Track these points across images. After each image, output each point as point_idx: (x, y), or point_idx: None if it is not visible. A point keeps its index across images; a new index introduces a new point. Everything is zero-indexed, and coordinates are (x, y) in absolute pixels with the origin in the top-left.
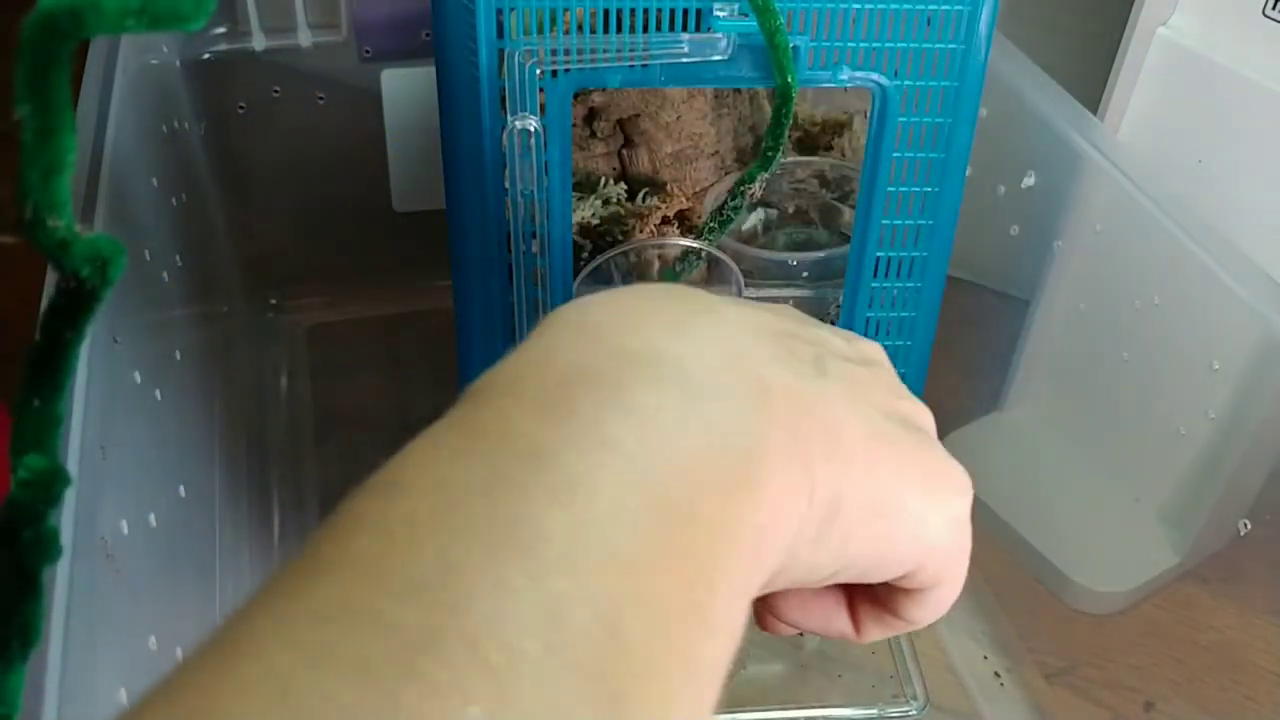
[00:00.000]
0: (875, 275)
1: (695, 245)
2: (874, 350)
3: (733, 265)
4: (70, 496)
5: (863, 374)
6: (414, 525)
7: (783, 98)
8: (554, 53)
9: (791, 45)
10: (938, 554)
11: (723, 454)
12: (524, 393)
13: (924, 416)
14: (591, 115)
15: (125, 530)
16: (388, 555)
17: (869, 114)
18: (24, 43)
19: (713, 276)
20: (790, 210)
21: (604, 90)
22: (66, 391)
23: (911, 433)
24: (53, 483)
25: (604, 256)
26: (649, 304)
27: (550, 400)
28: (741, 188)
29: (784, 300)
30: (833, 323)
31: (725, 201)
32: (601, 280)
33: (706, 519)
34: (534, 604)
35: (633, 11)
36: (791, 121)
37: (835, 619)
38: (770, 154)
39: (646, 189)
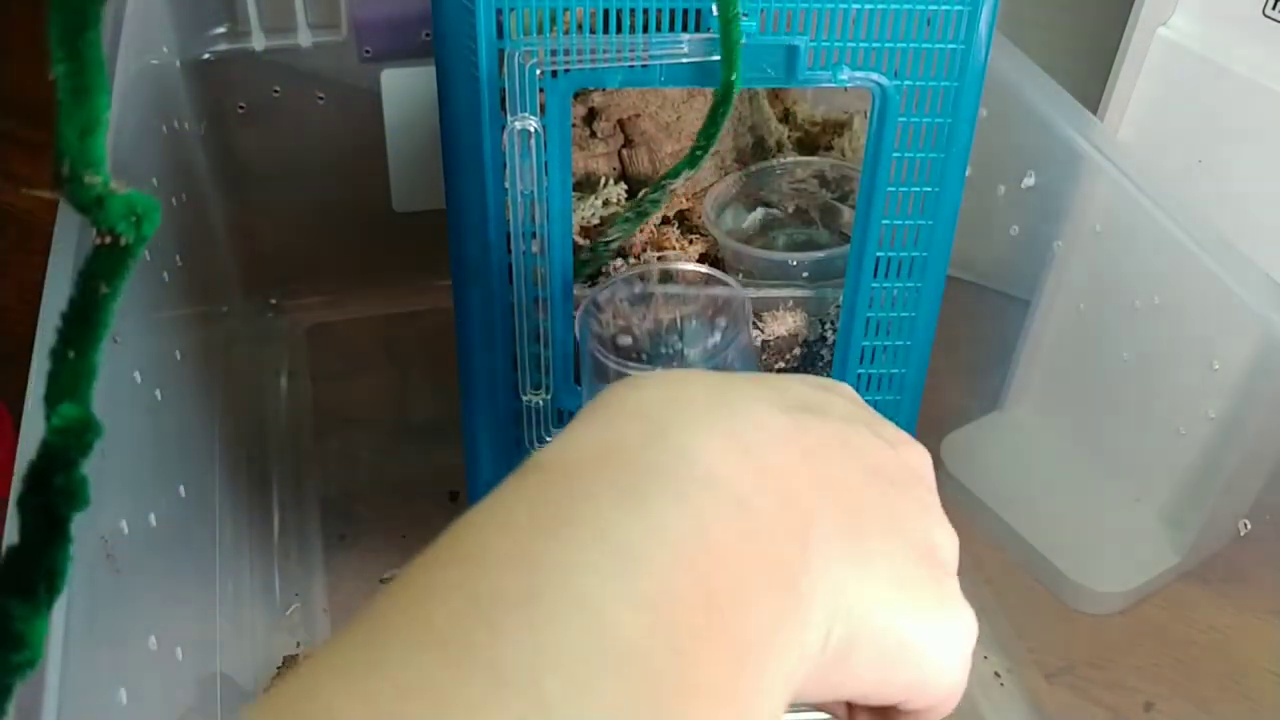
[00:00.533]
0: (875, 275)
1: (706, 271)
2: (919, 460)
3: (745, 296)
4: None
5: (902, 504)
6: (497, 600)
7: (722, 96)
8: (554, 53)
9: (790, 45)
10: (941, 689)
11: (760, 571)
12: (598, 478)
13: (951, 547)
14: (591, 115)
15: (125, 530)
16: (474, 632)
17: (869, 114)
18: (55, 1)
19: (722, 308)
20: (790, 210)
21: (604, 90)
22: (102, 346)
23: (935, 576)
24: (85, 431)
25: (620, 276)
26: (706, 398)
27: (622, 489)
28: (664, 182)
29: (784, 300)
30: (833, 323)
31: (645, 194)
32: (615, 293)
33: (746, 619)
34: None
35: (633, 11)
36: (727, 120)
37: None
38: (698, 154)
39: (646, 189)
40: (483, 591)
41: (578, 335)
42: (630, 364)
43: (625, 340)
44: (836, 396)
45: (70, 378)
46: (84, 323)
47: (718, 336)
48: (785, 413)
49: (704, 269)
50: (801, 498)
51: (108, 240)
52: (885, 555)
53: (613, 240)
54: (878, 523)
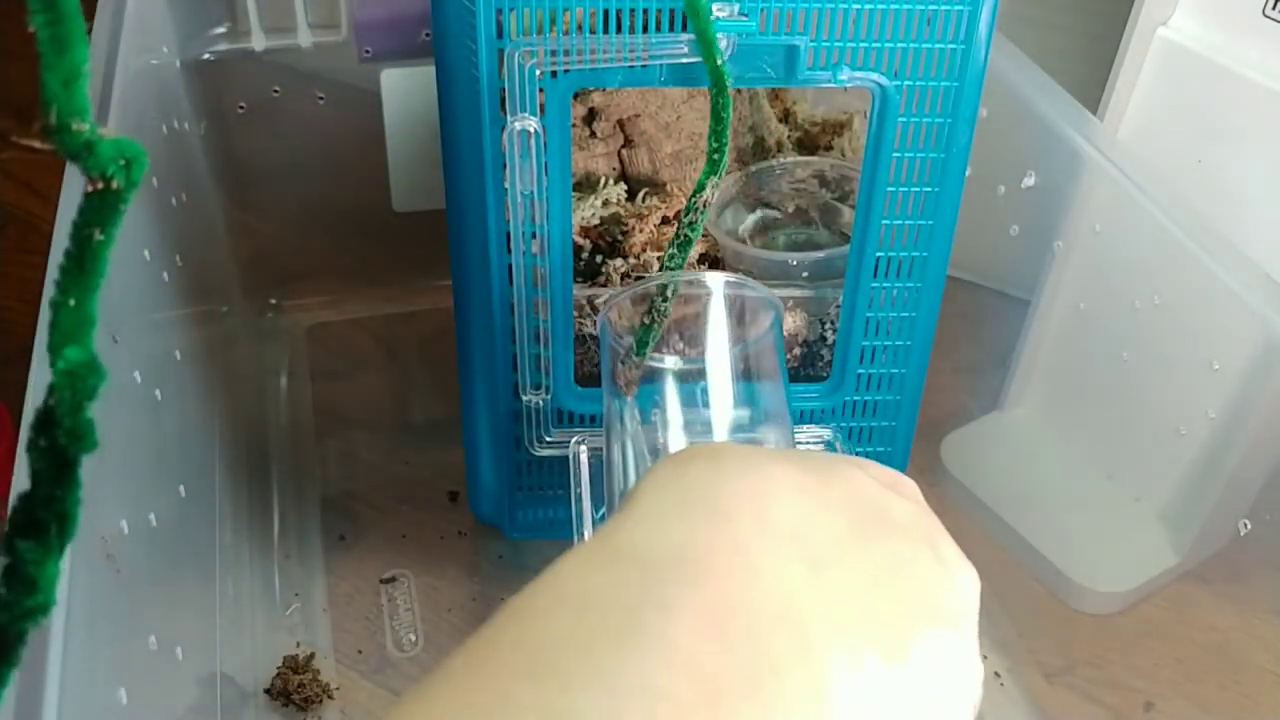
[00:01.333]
0: (875, 275)
1: (737, 280)
2: (971, 587)
3: (775, 299)
4: None
5: (938, 649)
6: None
7: (717, 88)
8: (554, 53)
9: (790, 45)
10: None
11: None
12: (677, 591)
13: (980, 679)
14: (591, 115)
15: (125, 530)
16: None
17: (869, 114)
18: None
19: (749, 309)
20: (790, 210)
21: (604, 90)
22: (98, 293)
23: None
24: (90, 374)
25: (643, 284)
26: (787, 500)
27: (698, 609)
28: (695, 200)
29: (784, 300)
30: (833, 323)
31: (680, 223)
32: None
33: None
34: None
35: (633, 11)
36: (730, 118)
37: None
38: (716, 157)
39: (646, 189)
40: (555, 709)
41: (597, 332)
42: (653, 359)
43: (629, 339)
44: (901, 500)
45: (71, 323)
46: (81, 270)
47: (744, 339)
48: (855, 526)
49: (735, 278)
50: (856, 625)
51: (99, 186)
52: (917, 695)
53: (665, 306)
54: (918, 659)
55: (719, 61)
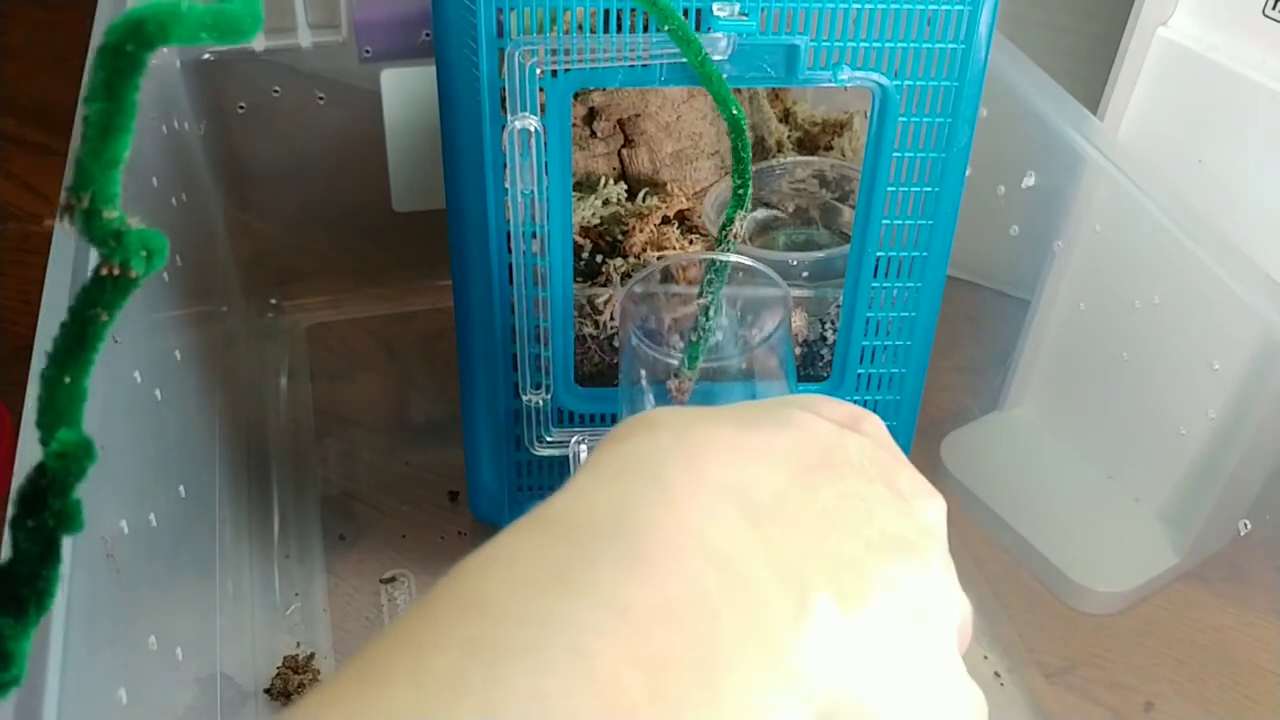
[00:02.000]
0: (875, 275)
1: (749, 263)
2: (933, 514)
3: (780, 281)
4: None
5: (906, 570)
6: (499, 650)
7: (735, 130)
8: (554, 53)
9: (790, 45)
10: None
11: (756, 643)
12: (608, 544)
13: (954, 608)
14: (591, 115)
15: (125, 530)
16: (471, 677)
17: (869, 114)
18: (108, 45)
19: (760, 305)
20: (790, 210)
21: (604, 90)
22: (92, 369)
23: (936, 652)
24: (83, 456)
25: (646, 271)
26: (717, 456)
27: (629, 556)
28: (725, 233)
29: None
30: (833, 323)
31: (713, 262)
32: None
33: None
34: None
35: (633, 11)
36: (749, 158)
37: None
38: (741, 192)
39: (646, 189)
40: (483, 639)
41: (614, 323)
42: (672, 353)
43: (662, 330)
44: (856, 437)
45: (65, 402)
46: (80, 348)
47: (755, 332)
48: (797, 474)
49: (746, 260)
50: (802, 571)
51: (115, 272)
52: (883, 631)
53: (709, 324)
54: (878, 596)
55: (734, 111)
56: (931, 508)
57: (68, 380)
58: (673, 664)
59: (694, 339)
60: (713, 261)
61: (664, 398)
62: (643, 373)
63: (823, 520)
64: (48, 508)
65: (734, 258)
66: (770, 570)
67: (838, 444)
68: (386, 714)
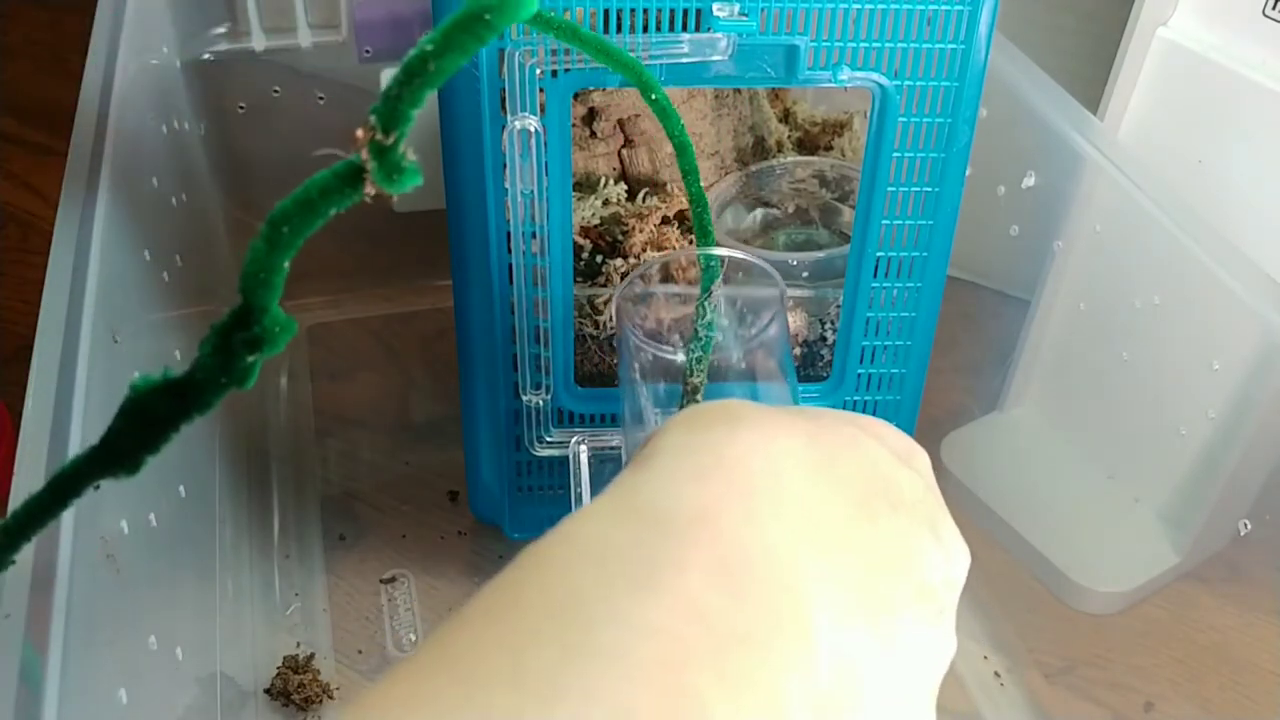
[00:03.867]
0: (875, 275)
1: (744, 257)
2: (962, 567)
3: (775, 274)
4: None
5: (928, 642)
6: (590, 656)
7: (698, 203)
8: (554, 53)
9: (790, 45)
10: None
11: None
12: (692, 551)
13: (953, 650)
14: (591, 115)
15: (125, 530)
16: (567, 683)
17: (869, 114)
18: (472, 10)
19: (758, 302)
20: (790, 210)
21: (604, 90)
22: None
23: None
24: (286, 330)
25: (642, 269)
26: (799, 472)
27: (709, 565)
28: (704, 301)
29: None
30: (833, 323)
31: (696, 327)
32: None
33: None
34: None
35: (633, 11)
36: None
37: None
38: (703, 325)
39: (646, 189)
40: (577, 645)
41: (612, 322)
42: (665, 348)
43: (661, 328)
44: (909, 474)
45: (278, 279)
46: (302, 227)
47: (751, 329)
48: (861, 503)
49: (740, 254)
50: (853, 613)
51: (370, 192)
52: (893, 682)
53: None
54: (901, 650)
55: (696, 188)
56: (963, 563)
57: (284, 265)
58: (745, 682)
59: (697, 338)
60: (709, 259)
61: (662, 395)
62: (638, 368)
63: (878, 559)
64: (235, 363)
65: (729, 252)
66: (827, 596)
67: (895, 477)
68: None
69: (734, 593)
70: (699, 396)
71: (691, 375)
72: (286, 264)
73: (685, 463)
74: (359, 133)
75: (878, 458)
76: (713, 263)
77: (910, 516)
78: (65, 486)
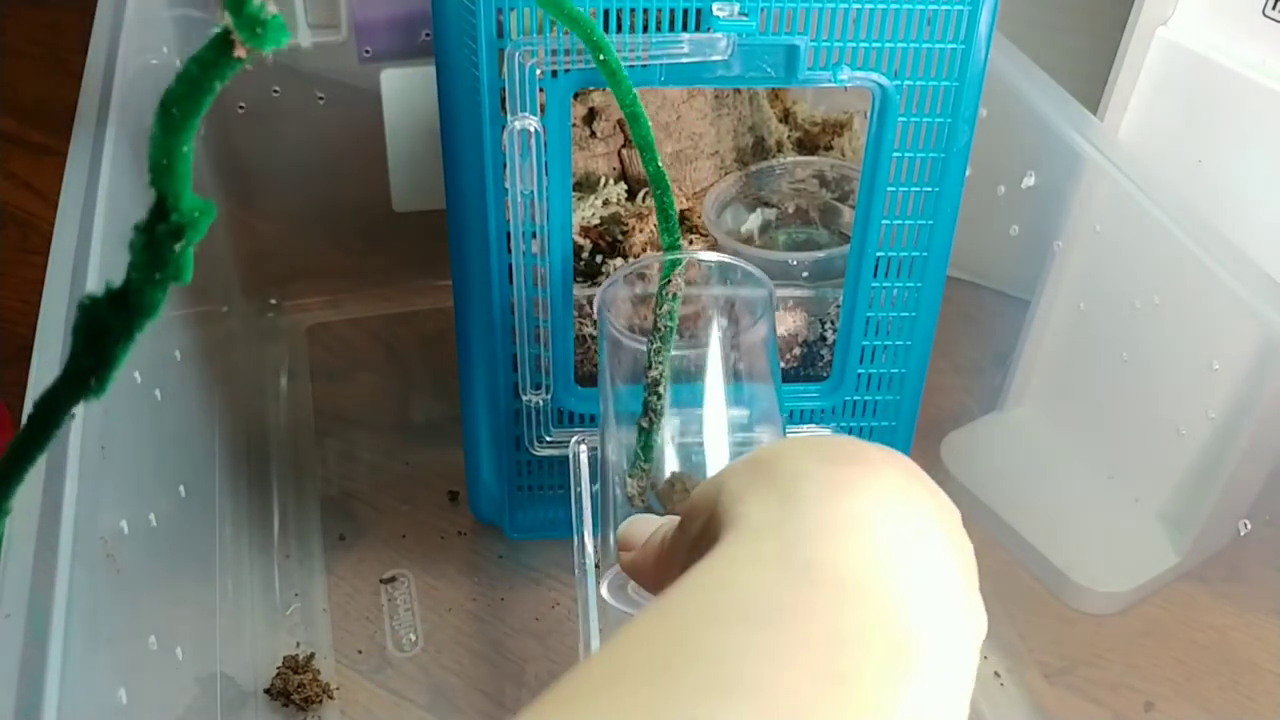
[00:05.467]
0: (875, 275)
1: (731, 260)
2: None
3: (764, 278)
4: (70, 496)
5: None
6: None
7: (657, 184)
8: (554, 53)
9: (790, 45)
10: None
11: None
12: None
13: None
14: (591, 115)
15: (125, 530)
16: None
17: (869, 114)
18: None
19: (742, 302)
20: (790, 210)
21: (604, 90)
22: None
23: None
24: (205, 215)
25: (627, 268)
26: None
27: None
28: (663, 289)
29: (784, 300)
30: (833, 323)
31: (655, 317)
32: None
33: None
34: None
35: (633, 11)
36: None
37: None
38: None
39: (646, 189)
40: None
41: (595, 314)
42: (641, 340)
43: (643, 329)
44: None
45: (182, 165)
46: (188, 115)
47: (736, 327)
48: (968, 565)
49: (728, 258)
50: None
51: (240, 53)
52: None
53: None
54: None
55: (675, 240)
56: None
57: (185, 149)
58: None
59: (656, 330)
60: (672, 251)
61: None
62: (618, 364)
63: (974, 621)
64: (165, 257)
65: (711, 255)
66: (945, 664)
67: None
68: None
69: (895, 674)
70: (661, 390)
71: (650, 368)
72: (188, 148)
73: (836, 509)
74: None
75: (957, 524)
76: (676, 255)
77: (974, 580)
78: (42, 418)
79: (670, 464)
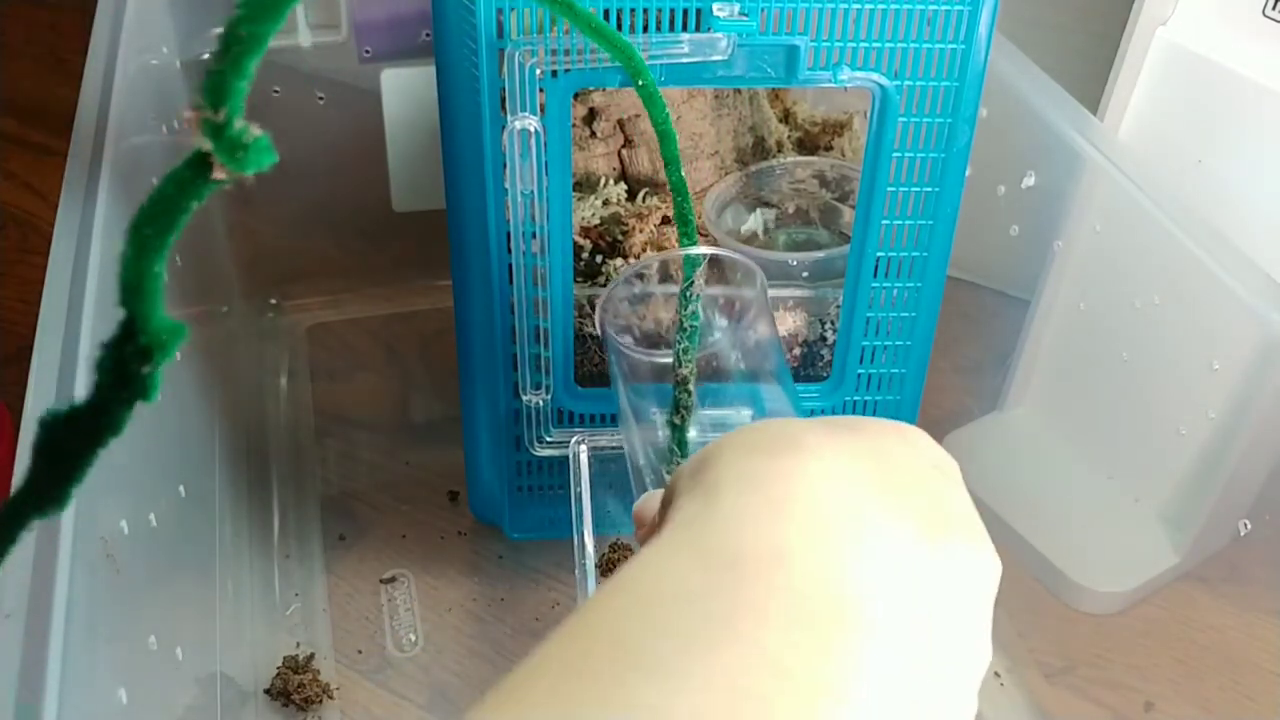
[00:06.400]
0: (875, 275)
1: (725, 254)
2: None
3: (755, 268)
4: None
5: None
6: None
7: (678, 192)
8: (554, 53)
9: (790, 45)
10: None
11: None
12: (769, 602)
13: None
14: (591, 115)
15: (125, 530)
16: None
17: (869, 114)
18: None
19: (732, 279)
20: (790, 210)
21: (604, 90)
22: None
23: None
24: (176, 338)
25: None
26: (880, 515)
27: (792, 618)
28: (686, 291)
29: (784, 300)
30: (833, 323)
31: (680, 317)
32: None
33: None
34: None
35: (633, 11)
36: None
37: None
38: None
39: (646, 189)
40: (653, 706)
41: (598, 329)
42: (655, 352)
43: (644, 330)
44: (956, 490)
45: (152, 285)
46: (162, 235)
47: (737, 325)
48: (923, 524)
49: (722, 251)
50: (907, 648)
51: (222, 176)
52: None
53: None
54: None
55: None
56: (998, 571)
57: (157, 270)
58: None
59: (682, 330)
60: (687, 258)
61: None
62: (626, 369)
63: (942, 583)
64: (132, 378)
65: (709, 250)
66: (902, 647)
67: (945, 493)
68: None
69: (817, 643)
70: (690, 388)
71: (680, 366)
72: (160, 269)
73: (754, 496)
74: (187, 114)
75: (928, 474)
76: (695, 257)
77: (964, 534)
78: (1, 531)
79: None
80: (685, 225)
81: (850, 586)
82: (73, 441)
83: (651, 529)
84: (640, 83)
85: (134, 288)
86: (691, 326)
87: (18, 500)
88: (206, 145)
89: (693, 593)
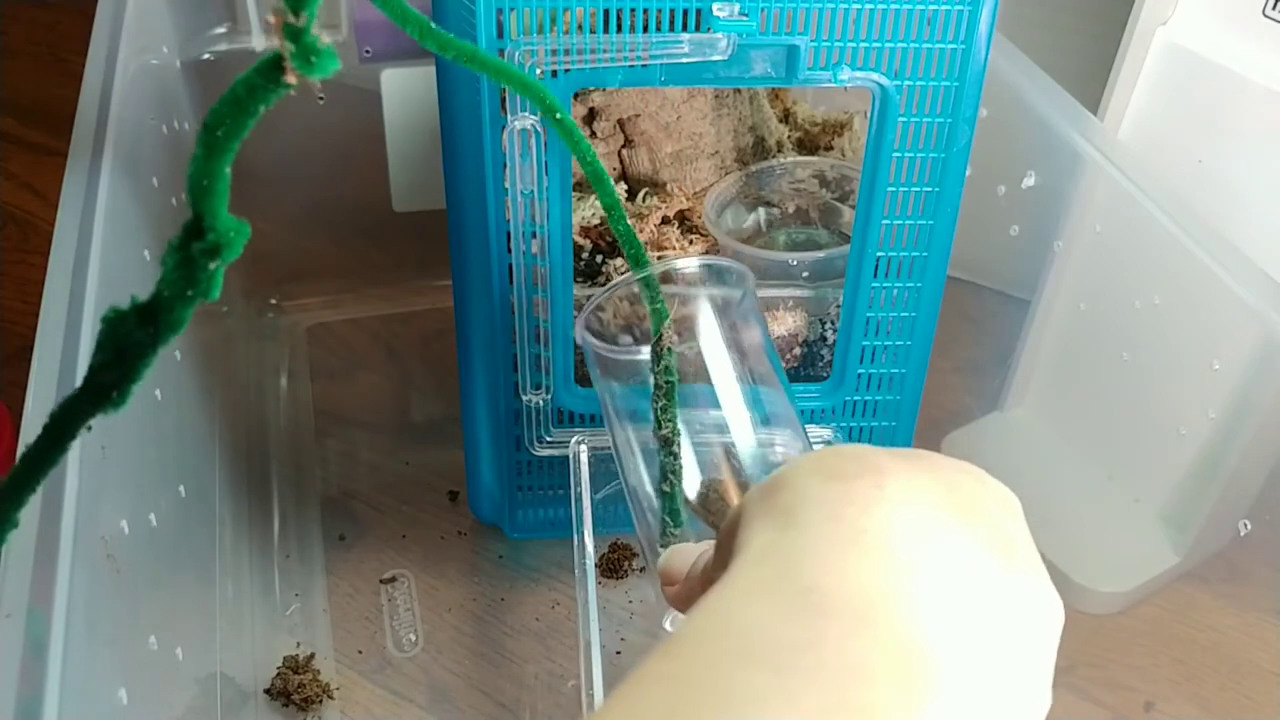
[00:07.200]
0: (875, 275)
1: (710, 260)
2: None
3: (745, 271)
4: (70, 496)
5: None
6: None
7: (628, 243)
8: (554, 53)
9: (790, 45)
10: None
11: None
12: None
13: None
14: (591, 115)
15: (125, 530)
16: None
17: (869, 114)
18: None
19: (719, 282)
20: (790, 210)
21: (604, 90)
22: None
23: None
24: (240, 236)
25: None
26: (954, 561)
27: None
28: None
29: (784, 300)
30: (833, 323)
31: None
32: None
33: None
34: None
35: (633, 11)
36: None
37: None
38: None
39: (646, 189)
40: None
41: (578, 339)
42: (640, 354)
43: (626, 338)
44: (1020, 527)
45: (222, 186)
46: (231, 138)
47: (724, 330)
48: (1001, 558)
49: (710, 259)
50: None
51: (292, 79)
52: None
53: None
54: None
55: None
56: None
57: (225, 170)
58: None
59: (658, 395)
60: (653, 312)
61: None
62: (603, 381)
63: (1012, 622)
64: (198, 275)
65: (685, 262)
66: (979, 693)
67: (1012, 531)
68: None
69: (913, 700)
70: (675, 450)
71: (660, 428)
72: (228, 169)
73: (835, 526)
74: (271, 18)
75: (995, 507)
76: (652, 281)
77: (1031, 569)
78: (59, 429)
79: (693, 473)
80: (639, 265)
81: (934, 636)
82: (135, 336)
83: (687, 585)
84: (558, 116)
85: (203, 187)
86: (668, 384)
87: (79, 397)
88: (287, 48)
89: (780, 644)
